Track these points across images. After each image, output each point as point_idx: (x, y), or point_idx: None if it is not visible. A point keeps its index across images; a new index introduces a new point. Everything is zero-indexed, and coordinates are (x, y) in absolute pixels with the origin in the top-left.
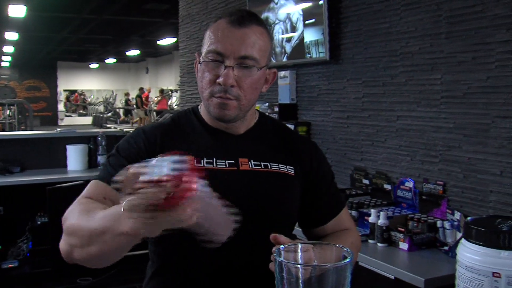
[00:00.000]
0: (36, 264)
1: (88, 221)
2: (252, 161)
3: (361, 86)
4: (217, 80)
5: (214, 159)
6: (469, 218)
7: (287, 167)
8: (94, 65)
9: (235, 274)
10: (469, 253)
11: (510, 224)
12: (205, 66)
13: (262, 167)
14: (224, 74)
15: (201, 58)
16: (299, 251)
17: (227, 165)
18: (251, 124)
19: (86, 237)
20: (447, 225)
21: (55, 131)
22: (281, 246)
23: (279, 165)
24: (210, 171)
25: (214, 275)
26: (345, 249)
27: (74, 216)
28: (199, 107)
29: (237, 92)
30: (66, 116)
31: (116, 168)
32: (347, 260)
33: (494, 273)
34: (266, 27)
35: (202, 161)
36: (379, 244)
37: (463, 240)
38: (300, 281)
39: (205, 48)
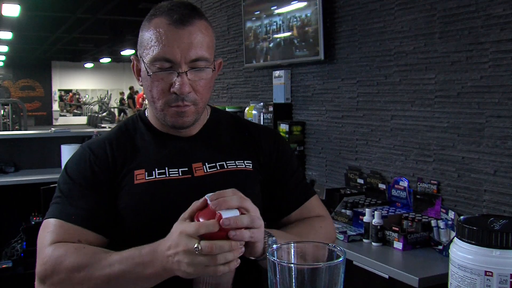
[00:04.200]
0: (30, 264)
1: (100, 266)
2: (206, 164)
3: (355, 85)
4: (172, 90)
5: (167, 168)
6: (461, 217)
7: (245, 162)
8: (88, 65)
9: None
10: (461, 252)
11: (502, 223)
12: (154, 75)
13: (218, 168)
14: (179, 83)
15: (144, 65)
16: (292, 249)
17: (180, 174)
18: (204, 122)
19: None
20: (441, 224)
21: (49, 131)
22: (274, 246)
23: (236, 161)
24: (163, 182)
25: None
26: (338, 248)
27: (76, 261)
28: (145, 111)
29: (194, 97)
30: (61, 116)
31: (75, 200)
32: (340, 259)
33: (486, 271)
34: (205, 17)
35: (154, 172)
36: (373, 244)
37: (455, 239)
38: (293, 281)
39: (148, 54)
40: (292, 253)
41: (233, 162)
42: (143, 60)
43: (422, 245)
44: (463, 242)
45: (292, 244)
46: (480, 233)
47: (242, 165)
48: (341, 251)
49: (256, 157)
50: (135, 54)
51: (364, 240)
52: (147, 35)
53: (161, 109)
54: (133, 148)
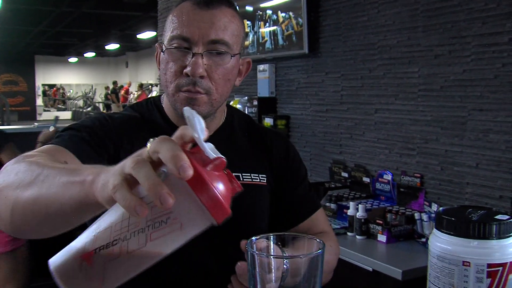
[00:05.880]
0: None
1: (37, 165)
2: None
3: (339, 79)
4: (184, 71)
5: None
6: (441, 209)
7: (259, 176)
8: (73, 59)
9: None
10: (440, 243)
11: (480, 214)
12: (169, 55)
13: None
14: (192, 63)
15: (163, 47)
16: (271, 242)
17: None
18: (221, 123)
19: (28, 176)
20: (424, 217)
21: (32, 125)
22: (253, 238)
23: (251, 174)
24: None
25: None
26: (317, 240)
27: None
28: (161, 98)
29: (208, 84)
30: (45, 111)
31: (77, 139)
32: (319, 251)
33: (464, 262)
34: (237, 9)
35: None
36: (357, 237)
37: (434, 230)
38: (273, 273)
39: (167, 35)
40: (272, 245)
41: (249, 175)
42: (163, 44)
43: (405, 237)
44: (441, 233)
45: (271, 236)
46: (458, 224)
47: (257, 179)
48: (320, 242)
49: (269, 169)
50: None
51: (348, 233)
52: (170, 18)
53: (172, 93)
54: (143, 141)
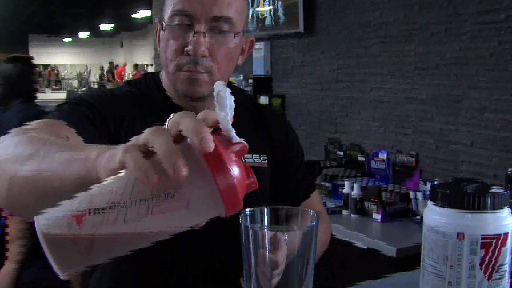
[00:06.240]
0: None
1: (38, 140)
2: None
3: (335, 57)
4: (185, 50)
5: None
6: (435, 182)
7: (261, 157)
8: (67, 39)
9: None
10: (434, 216)
11: (475, 187)
12: (169, 33)
13: None
14: (194, 41)
15: (163, 23)
16: (265, 214)
17: None
18: None
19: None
20: (419, 195)
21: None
22: (247, 211)
23: (253, 156)
24: None
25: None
26: (311, 213)
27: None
28: (160, 75)
29: (209, 64)
30: (39, 91)
31: (78, 114)
32: (313, 223)
33: (458, 234)
34: None
35: None
36: (352, 215)
37: (429, 203)
38: (267, 245)
39: (168, 11)
40: (266, 218)
41: (250, 156)
42: (163, 20)
43: (400, 216)
44: (436, 206)
45: (265, 209)
46: (453, 196)
47: (259, 160)
48: (314, 215)
49: (270, 151)
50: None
51: (343, 212)
52: None
53: (173, 72)
54: (153, 116)
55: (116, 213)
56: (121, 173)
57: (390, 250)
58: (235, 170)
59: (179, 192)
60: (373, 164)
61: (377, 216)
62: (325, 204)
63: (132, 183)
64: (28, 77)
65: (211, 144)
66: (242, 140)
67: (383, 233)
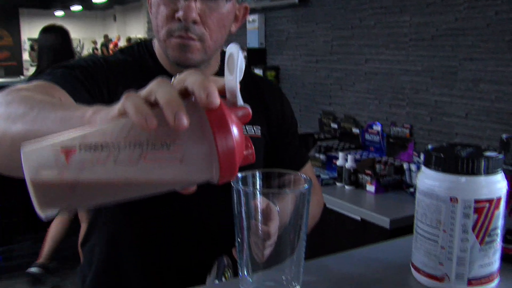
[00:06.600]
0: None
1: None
2: None
3: (330, 29)
4: (176, 15)
5: None
6: (429, 146)
7: (254, 127)
8: (59, 13)
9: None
10: (428, 180)
11: (469, 150)
12: None
13: None
14: (185, 6)
15: None
16: (258, 178)
17: None
18: (215, 70)
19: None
20: (413, 167)
21: (18, 78)
22: (239, 175)
23: (246, 126)
24: None
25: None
26: (303, 176)
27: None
28: (153, 43)
29: (201, 30)
30: (32, 66)
31: (71, 78)
32: (306, 186)
33: (451, 198)
34: None
35: None
36: (346, 187)
37: (422, 167)
38: (259, 209)
39: None
40: (258, 182)
41: (244, 126)
42: None
43: (394, 188)
44: (430, 170)
45: (257, 173)
46: (447, 160)
47: (252, 131)
48: (307, 179)
49: (264, 121)
50: None
51: (337, 184)
52: None
53: (164, 39)
54: (137, 87)
55: (108, 153)
56: (116, 119)
57: (383, 221)
58: (236, 134)
59: (176, 143)
60: (367, 136)
61: (371, 188)
62: (319, 176)
63: (129, 126)
64: (68, 45)
65: (217, 99)
66: (247, 105)
67: (377, 204)
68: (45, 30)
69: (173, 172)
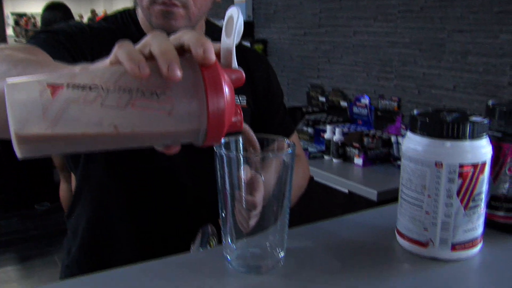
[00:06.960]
0: None
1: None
2: None
3: (318, 1)
4: None
5: None
6: (415, 111)
7: (239, 97)
8: None
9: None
10: (413, 145)
11: (454, 116)
12: None
13: None
14: None
15: None
16: (241, 144)
17: None
18: None
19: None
20: (401, 140)
21: None
22: (222, 140)
23: None
24: None
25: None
26: (287, 141)
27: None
28: (136, 11)
29: None
30: (16, 41)
31: (55, 43)
32: (290, 151)
33: (436, 163)
34: None
35: None
36: (334, 160)
37: (408, 133)
38: (242, 174)
39: None
40: (241, 147)
41: None
42: None
43: (381, 161)
44: (415, 135)
45: (240, 138)
46: (432, 125)
47: (237, 100)
48: (291, 144)
49: (249, 90)
50: None
51: (325, 157)
52: None
53: (147, 6)
54: None
55: (96, 95)
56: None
57: (371, 193)
58: (228, 95)
59: (166, 94)
60: (355, 109)
61: (358, 160)
62: (306, 149)
63: (121, 72)
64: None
65: (213, 56)
66: (240, 69)
67: (365, 177)
68: (50, 7)
69: (159, 124)
